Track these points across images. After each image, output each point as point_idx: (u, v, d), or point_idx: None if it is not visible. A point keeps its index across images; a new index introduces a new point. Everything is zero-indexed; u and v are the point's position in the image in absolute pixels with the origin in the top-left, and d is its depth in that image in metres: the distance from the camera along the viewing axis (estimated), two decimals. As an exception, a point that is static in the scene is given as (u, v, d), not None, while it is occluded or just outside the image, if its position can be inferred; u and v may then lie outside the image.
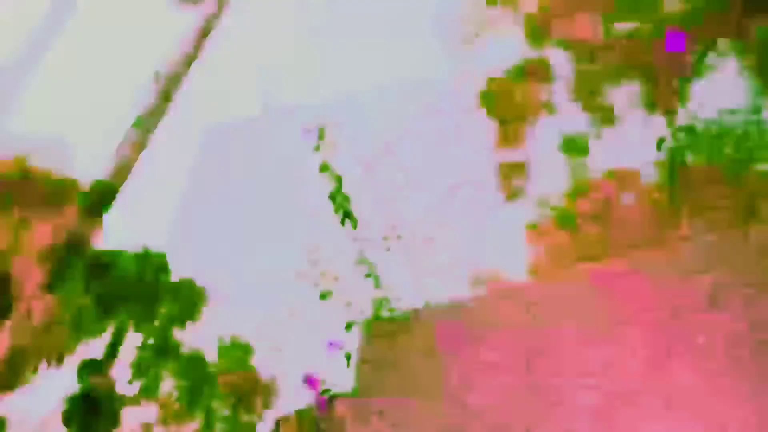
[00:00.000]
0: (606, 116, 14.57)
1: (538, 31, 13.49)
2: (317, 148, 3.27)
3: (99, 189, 4.17)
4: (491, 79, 15.05)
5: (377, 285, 2.97)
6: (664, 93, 2.44)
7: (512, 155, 16.07)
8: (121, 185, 4.16)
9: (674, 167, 2.12)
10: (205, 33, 5.37)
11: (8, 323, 3.07)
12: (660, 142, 2.15)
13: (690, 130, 2.10)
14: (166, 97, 4.80)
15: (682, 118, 2.16)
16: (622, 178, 15.78)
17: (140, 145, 4.43)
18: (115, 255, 2.99)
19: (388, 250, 3.24)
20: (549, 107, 15.32)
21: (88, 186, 4.13)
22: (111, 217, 4.36)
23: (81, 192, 3.92)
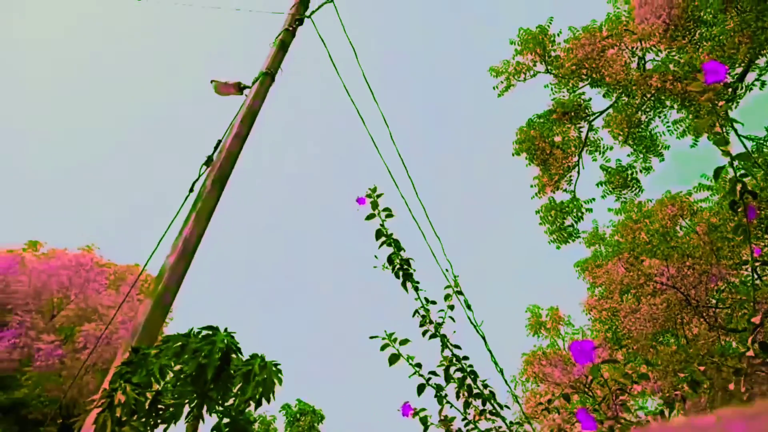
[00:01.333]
0: (650, 147, 14.33)
1: (568, 72, 13.58)
2: (371, 216, 3.33)
3: (162, 272, 4.33)
4: (528, 124, 15.12)
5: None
6: (708, 119, 2.39)
7: (558, 196, 15.79)
8: (185, 269, 4.32)
9: (735, 193, 2.07)
10: (250, 118, 5.63)
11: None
12: (718, 171, 2.10)
13: (745, 156, 2.05)
14: (220, 181, 5.02)
15: (732, 144, 2.11)
16: (680, 205, 15.28)
17: (200, 229, 4.61)
18: (183, 338, 3.06)
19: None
20: (590, 144, 15.19)
21: (156, 273, 4.32)
22: (177, 301, 4.51)
23: (150, 278, 4.09)
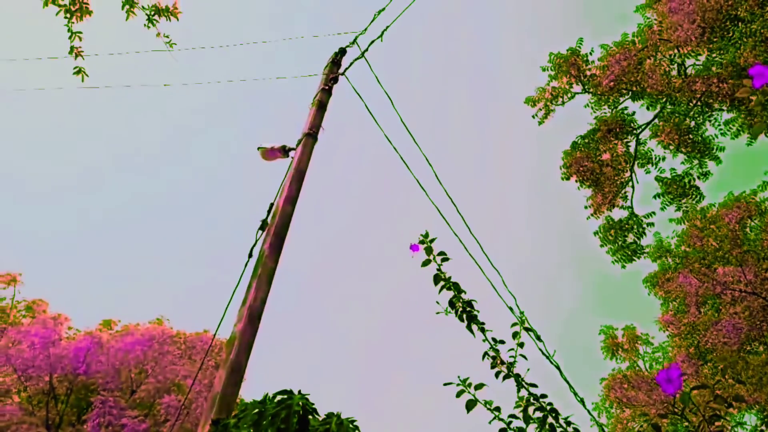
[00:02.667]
0: (705, 151, 13.85)
1: (606, 90, 13.43)
2: (426, 262, 3.34)
3: (232, 341, 4.43)
4: (573, 146, 14.89)
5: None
6: (763, 124, 2.31)
7: (615, 215, 15.37)
8: (253, 335, 4.42)
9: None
10: (298, 179, 5.79)
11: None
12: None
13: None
14: (277, 244, 5.14)
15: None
16: (746, 206, 14.64)
17: (263, 294, 4.72)
18: (260, 404, 3.10)
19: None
20: (640, 157, 14.82)
21: (223, 336, 4.44)
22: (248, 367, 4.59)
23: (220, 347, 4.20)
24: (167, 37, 7.85)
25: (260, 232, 5.69)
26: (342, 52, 7.39)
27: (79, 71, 7.51)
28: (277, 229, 5.28)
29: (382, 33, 7.35)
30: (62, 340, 23.69)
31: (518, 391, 2.97)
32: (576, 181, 14.84)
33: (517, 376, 2.99)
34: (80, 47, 7.37)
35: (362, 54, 7.28)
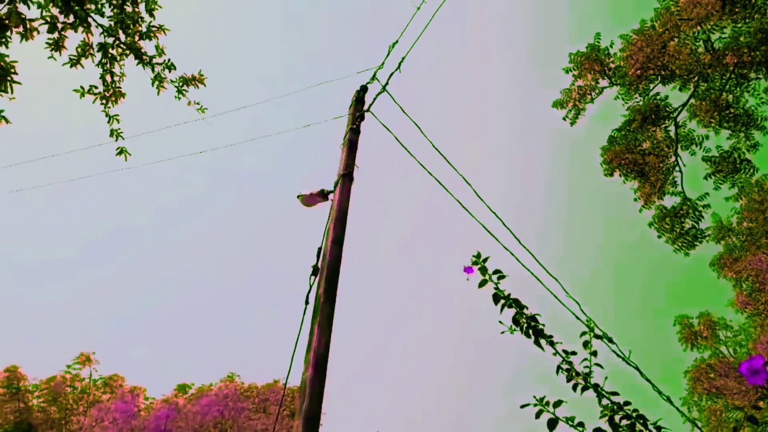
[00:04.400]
0: (749, 123, 13.39)
1: (634, 78, 13.20)
2: (483, 283, 3.31)
3: (303, 389, 4.46)
4: (610, 141, 14.60)
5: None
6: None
7: (666, 202, 14.93)
8: (323, 381, 4.44)
9: None
10: (341, 220, 5.86)
11: None
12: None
13: None
14: (331, 288, 5.19)
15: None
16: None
17: (326, 339, 4.76)
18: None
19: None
20: (682, 140, 14.38)
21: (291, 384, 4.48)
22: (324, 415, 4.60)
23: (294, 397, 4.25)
24: (198, 104, 8.15)
25: (313, 277, 5.76)
26: (364, 89, 7.52)
27: (121, 152, 7.86)
28: (328, 274, 5.33)
29: (399, 64, 7.45)
30: (141, 412, 24.27)
31: (599, 401, 2.88)
32: (620, 175, 14.51)
33: (596, 387, 2.90)
34: (119, 129, 7.73)
35: (384, 88, 7.39)
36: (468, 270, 3.46)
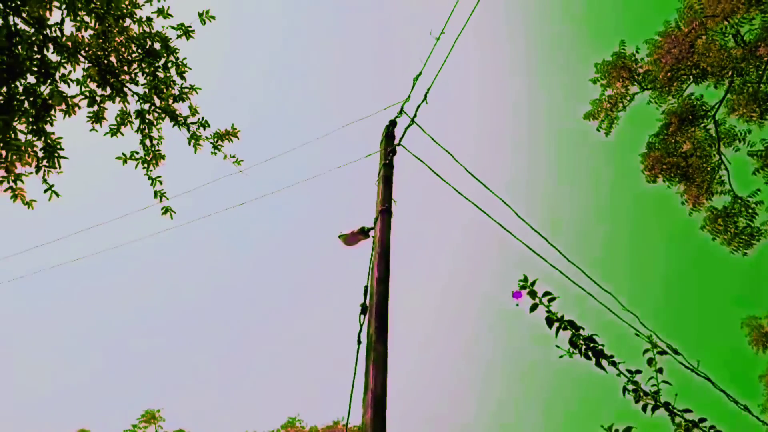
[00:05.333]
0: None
1: (665, 81, 12.95)
2: (534, 307, 3.23)
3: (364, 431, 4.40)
4: (649, 147, 14.29)
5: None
6: None
7: (716, 203, 14.48)
8: (383, 422, 4.38)
9: None
10: (384, 257, 5.85)
11: None
12: None
13: None
14: (382, 326, 5.15)
15: None
16: None
17: (382, 378, 4.71)
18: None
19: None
20: (724, 137, 13.98)
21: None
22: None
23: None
24: (233, 156, 8.35)
25: (363, 316, 5.74)
26: (393, 123, 7.59)
27: (166, 211, 8.09)
28: (378, 311, 5.30)
29: (425, 95, 7.51)
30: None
31: (672, 420, 2.73)
32: (663, 180, 14.14)
33: (667, 405, 2.76)
34: (162, 190, 7.98)
35: (412, 120, 7.44)
36: (516, 295, 3.39)
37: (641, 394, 2.87)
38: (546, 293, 3.29)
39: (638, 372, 2.98)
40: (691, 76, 13.25)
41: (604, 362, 3.06)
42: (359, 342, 5.61)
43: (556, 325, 3.19)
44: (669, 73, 12.85)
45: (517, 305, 3.38)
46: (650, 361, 2.98)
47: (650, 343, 3.07)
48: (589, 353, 3.08)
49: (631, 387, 2.93)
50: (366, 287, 6.01)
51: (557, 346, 3.12)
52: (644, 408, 2.85)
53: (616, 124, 14.16)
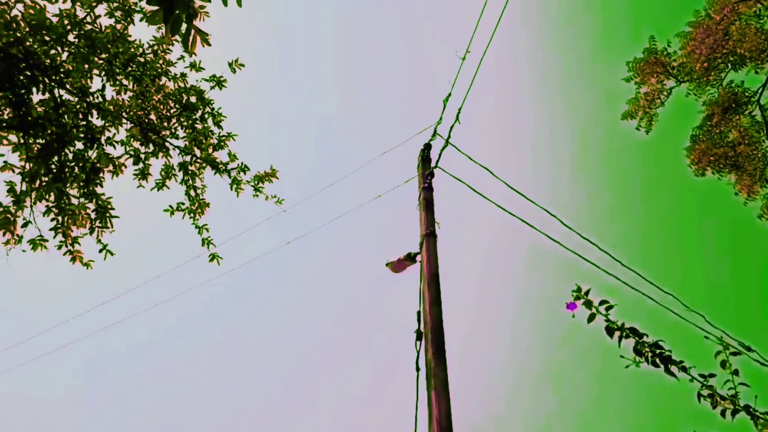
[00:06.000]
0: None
1: (703, 72, 12.61)
2: (592, 317, 3.14)
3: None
4: (693, 140, 13.88)
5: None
6: None
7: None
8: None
9: None
10: (434, 281, 5.81)
11: None
12: None
13: None
14: (440, 350, 5.09)
15: None
16: None
17: (445, 404, 4.63)
18: None
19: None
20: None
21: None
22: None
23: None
24: (275, 197, 8.50)
25: (419, 342, 5.69)
26: (428, 147, 7.62)
27: (213, 257, 8.27)
28: (434, 337, 5.24)
29: (457, 116, 7.52)
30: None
31: (755, 424, 2.58)
32: (712, 172, 13.67)
33: (748, 408, 2.62)
34: (209, 237, 8.18)
35: (447, 142, 7.45)
36: (571, 306, 3.30)
37: (718, 399, 2.73)
38: (602, 302, 3.18)
39: (712, 376, 2.84)
40: (728, 64, 12.87)
41: (673, 368, 2.93)
42: (418, 369, 5.55)
43: (618, 333, 3.08)
44: (705, 63, 12.52)
45: (573, 317, 3.28)
46: (724, 364, 2.83)
47: (721, 344, 2.93)
48: (657, 360, 2.96)
49: (706, 392, 2.79)
50: (418, 312, 5.98)
51: (621, 356, 3.01)
52: (723, 413, 2.71)
53: (655, 120, 13.84)
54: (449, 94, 7.64)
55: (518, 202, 7.01)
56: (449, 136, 7.41)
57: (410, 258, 6.75)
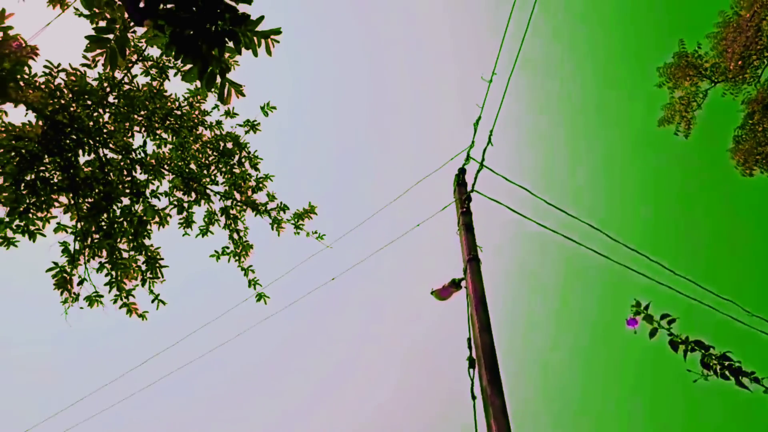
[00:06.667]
0: None
1: (738, 70, 12.32)
2: (654, 332, 3.04)
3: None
4: (737, 141, 13.49)
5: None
6: None
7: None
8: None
9: None
10: (481, 305, 5.74)
11: None
12: None
13: None
14: (494, 377, 5.00)
15: None
16: None
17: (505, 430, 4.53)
18: None
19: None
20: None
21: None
22: None
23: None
24: (315, 232, 8.58)
25: (472, 370, 5.59)
26: (462, 171, 7.60)
27: (260, 297, 8.36)
28: (487, 363, 5.14)
29: (489, 138, 7.52)
30: None
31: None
32: (761, 171, 13.24)
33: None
34: (256, 278, 8.28)
35: (482, 165, 7.43)
36: (631, 323, 3.20)
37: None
38: (664, 315, 3.08)
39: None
40: (764, 60, 12.56)
41: (745, 380, 2.80)
42: (473, 397, 5.45)
43: (682, 347, 2.97)
44: (740, 62, 12.24)
45: (636, 333, 3.19)
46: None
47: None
48: (726, 373, 2.83)
49: (784, 404, 2.66)
50: (468, 339, 5.90)
51: (688, 370, 2.89)
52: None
53: (693, 123, 13.55)
54: (479, 117, 7.64)
55: (555, 216, 6.91)
56: (483, 159, 7.39)
57: (455, 284, 6.69)
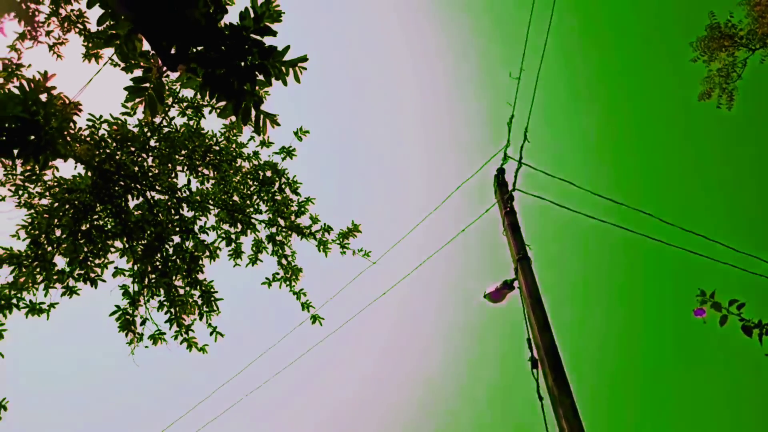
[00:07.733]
0: None
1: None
2: (723, 319, 2.93)
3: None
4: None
5: None
6: None
7: None
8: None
9: None
10: (536, 304, 5.66)
11: None
12: None
13: None
14: (560, 376, 4.92)
15: None
16: None
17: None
18: None
19: None
20: None
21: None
22: None
23: None
24: (361, 250, 8.61)
25: (535, 371, 5.51)
26: (501, 171, 7.53)
27: (315, 319, 8.43)
28: (550, 363, 5.05)
29: (525, 135, 7.44)
30: None
31: None
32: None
33: None
34: (308, 300, 8.36)
35: (520, 163, 7.36)
36: (699, 312, 3.09)
37: None
38: (732, 301, 2.97)
39: None
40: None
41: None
42: (540, 398, 5.36)
43: (756, 331, 2.85)
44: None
45: (705, 322, 3.08)
46: None
47: None
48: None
49: None
50: (528, 339, 5.81)
51: (766, 355, 2.77)
52: None
53: (735, 95, 13.10)
54: (512, 116, 7.58)
55: (601, 206, 6.77)
56: (521, 156, 7.32)
57: (508, 285, 6.61)
